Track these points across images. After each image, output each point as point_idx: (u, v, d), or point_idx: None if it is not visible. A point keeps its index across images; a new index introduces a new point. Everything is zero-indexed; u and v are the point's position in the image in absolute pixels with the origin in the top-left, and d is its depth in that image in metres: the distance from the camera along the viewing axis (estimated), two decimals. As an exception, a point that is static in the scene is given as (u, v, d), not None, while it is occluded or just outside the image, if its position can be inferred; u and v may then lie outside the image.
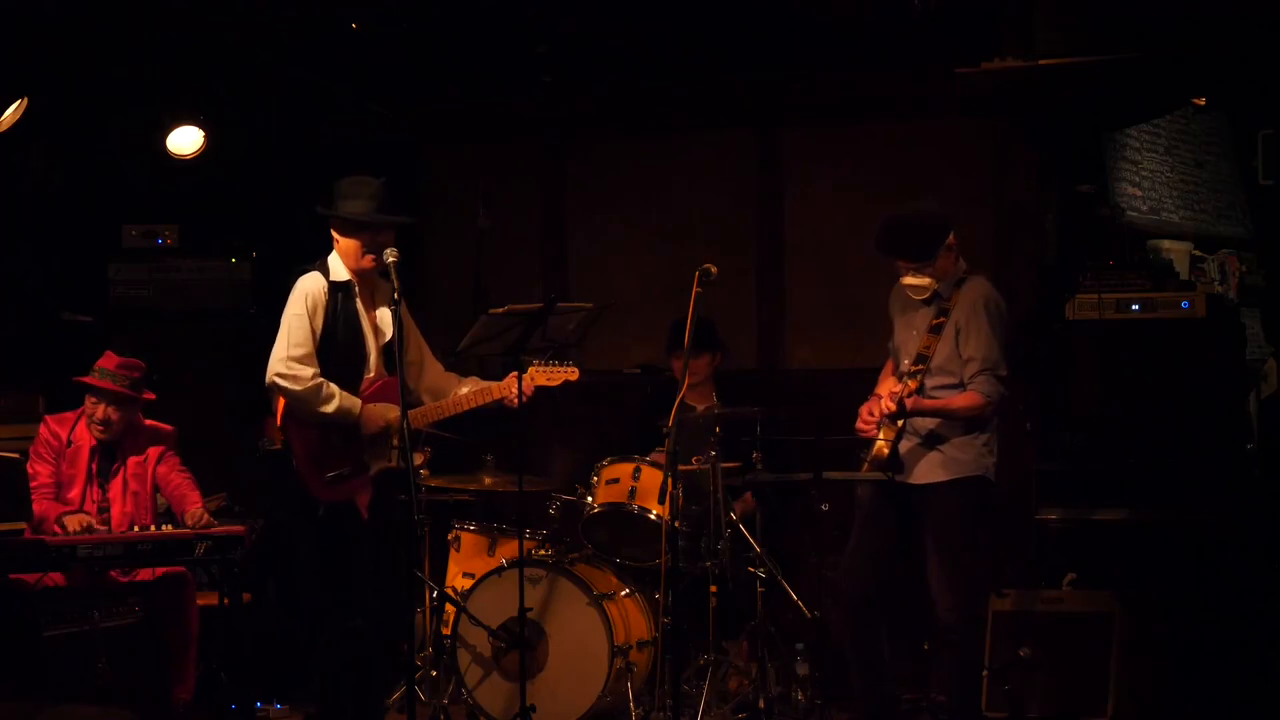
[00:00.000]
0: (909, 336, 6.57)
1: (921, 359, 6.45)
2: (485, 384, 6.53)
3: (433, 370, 6.61)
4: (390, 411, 6.27)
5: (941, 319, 6.45)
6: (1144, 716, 7.03)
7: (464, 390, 6.50)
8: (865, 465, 6.49)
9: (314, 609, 6.39)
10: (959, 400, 6.42)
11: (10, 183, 8.29)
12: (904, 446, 6.46)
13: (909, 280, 6.52)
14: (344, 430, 6.28)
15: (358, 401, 6.29)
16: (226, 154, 8.39)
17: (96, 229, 8.51)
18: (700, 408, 7.59)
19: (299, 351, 6.23)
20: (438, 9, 7.69)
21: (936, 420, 6.44)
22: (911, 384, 6.33)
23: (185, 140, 8.25)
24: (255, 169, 8.68)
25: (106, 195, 8.61)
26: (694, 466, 7.22)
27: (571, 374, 6.55)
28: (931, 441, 6.45)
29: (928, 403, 6.42)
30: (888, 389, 6.45)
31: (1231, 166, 9.82)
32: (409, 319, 6.48)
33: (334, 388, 6.24)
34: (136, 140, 8.32)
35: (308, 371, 6.22)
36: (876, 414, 6.45)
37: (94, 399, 7.17)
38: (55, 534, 6.86)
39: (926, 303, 6.53)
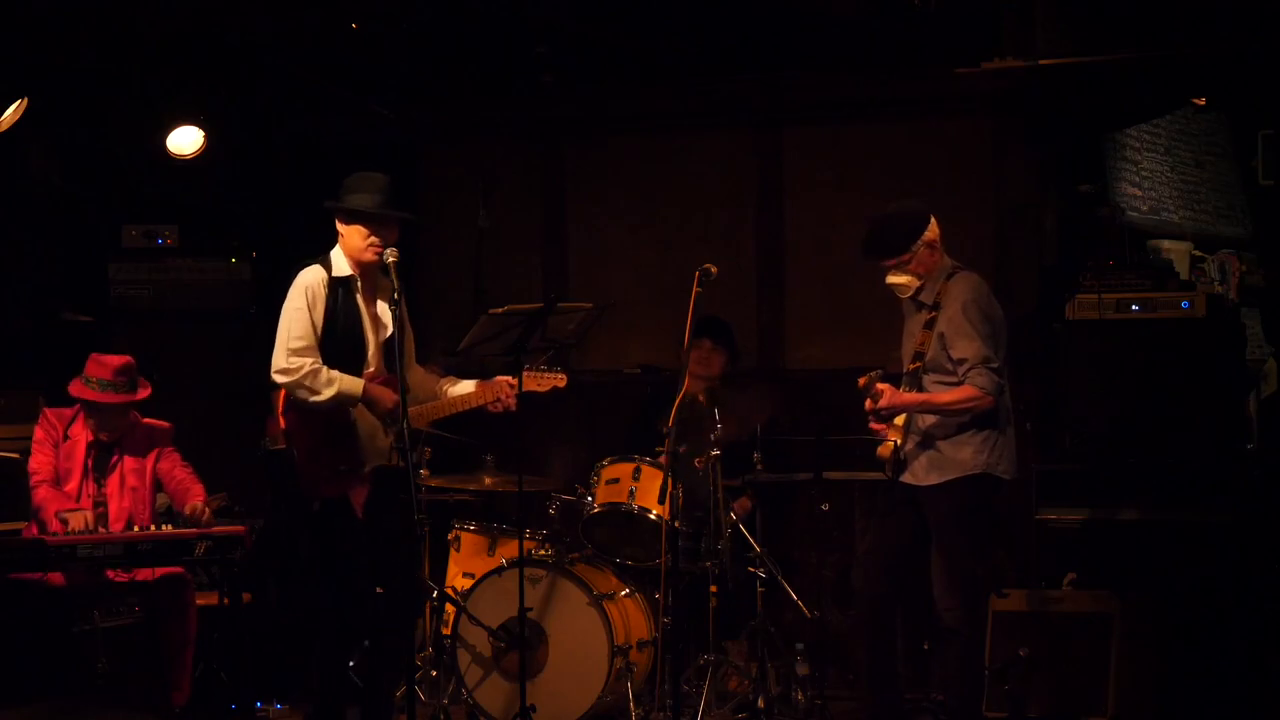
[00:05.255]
0: (910, 337, 6.56)
1: (918, 356, 6.44)
2: (482, 386, 6.51)
3: (414, 372, 6.59)
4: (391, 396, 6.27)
5: (933, 314, 6.43)
6: (1144, 716, 7.03)
7: (463, 389, 6.50)
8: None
9: (312, 608, 6.39)
10: (951, 394, 6.34)
11: (10, 183, 8.28)
12: (909, 447, 6.45)
13: (890, 279, 6.48)
14: (345, 425, 6.28)
15: (360, 381, 6.28)
16: (226, 154, 8.39)
17: (96, 229, 8.50)
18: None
19: (299, 344, 6.22)
20: (438, 9, 7.69)
21: (935, 420, 6.41)
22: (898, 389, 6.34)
23: (185, 140, 8.24)
24: (255, 169, 8.67)
25: (106, 195, 8.60)
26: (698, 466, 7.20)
27: (560, 380, 6.55)
28: (929, 442, 6.42)
29: (909, 397, 6.38)
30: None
31: (1231, 166, 9.83)
32: (404, 315, 6.46)
33: (334, 372, 6.22)
34: (136, 140, 8.32)
35: (307, 360, 6.21)
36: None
37: (94, 412, 7.14)
38: (55, 531, 6.85)
39: (914, 300, 6.51)
